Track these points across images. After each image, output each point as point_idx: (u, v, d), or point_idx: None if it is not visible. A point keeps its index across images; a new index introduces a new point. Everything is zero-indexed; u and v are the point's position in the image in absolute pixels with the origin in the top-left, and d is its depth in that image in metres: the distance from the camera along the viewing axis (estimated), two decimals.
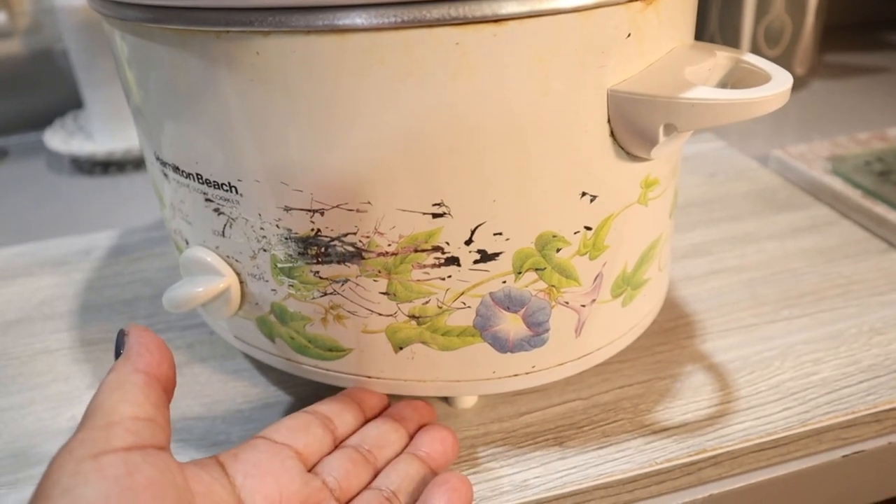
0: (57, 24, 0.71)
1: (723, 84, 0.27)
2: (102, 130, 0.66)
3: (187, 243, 0.31)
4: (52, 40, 0.73)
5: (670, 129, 0.24)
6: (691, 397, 0.33)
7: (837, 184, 0.49)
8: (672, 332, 0.37)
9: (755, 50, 0.67)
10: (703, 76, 0.26)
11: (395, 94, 0.23)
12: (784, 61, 0.68)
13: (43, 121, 0.74)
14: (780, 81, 0.25)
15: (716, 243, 0.44)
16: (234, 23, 0.23)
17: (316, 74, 0.23)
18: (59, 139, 0.67)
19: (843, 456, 0.32)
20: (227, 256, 0.29)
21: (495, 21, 0.22)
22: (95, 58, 0.63)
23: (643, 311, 0.32)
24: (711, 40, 0.68)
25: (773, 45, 0.67)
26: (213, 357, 0.37)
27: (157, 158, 0.30)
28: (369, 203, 0.25)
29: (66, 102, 0.74)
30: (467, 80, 0.23)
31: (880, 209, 0.46)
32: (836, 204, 0.48)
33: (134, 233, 0.51)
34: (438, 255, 0.26)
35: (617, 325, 0.31)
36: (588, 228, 0.27)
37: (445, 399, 0.33)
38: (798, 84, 0.70)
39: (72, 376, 0.37)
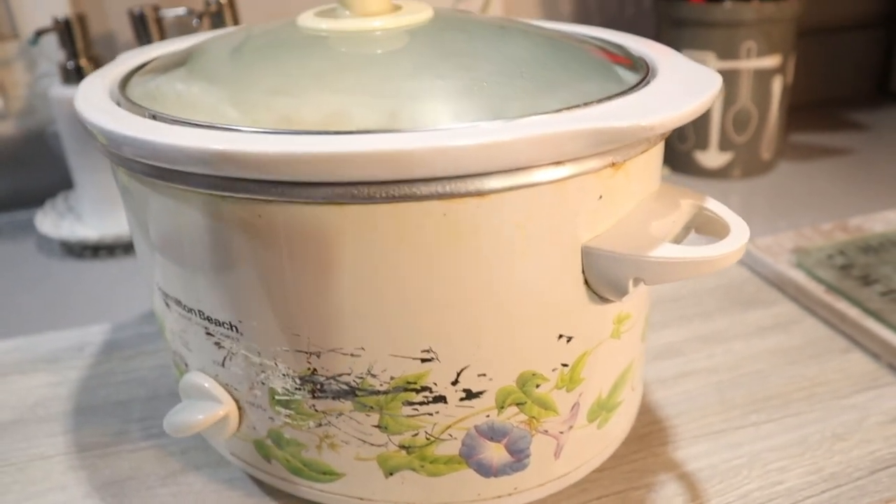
0: (50, 108, 0.73)
1: (687, 228, 0.30)
2: (93, 213, 0.67)
3: (187, 366, 0.33)
4: (44, 122, 0.75)
5: (638, 281, 0.27)
6: None
7: (801, 278, 0.52)
8: (646, 438, 0.39)
9: (724, 136, 0.70)
10: (668, 228, 0.28)
11: (388, 256, 0.25)
12: (752, 146, 0.71)
13: (33, 199, 0.76)
14: (739, 235, 0.27)
15: (687, 343, 0.46)
16: (239, 189, 0.25)
17: (314, 238, 0.25)
18: (49, 222, 0.68)
19: None
20: (227, 384, 0.31)
21: (479, 195, 0.24)
22: (87, 145, 0.65)
23: (618, 429, 0.34)
24: (683, 130, 0.72)
25: (742, 132, 0.70)
26: (207, 465, 0.39)
27: (160, 289, 0.32)
28: (363, 349, 0.27)
29: (57, 182, 0.76)
30: (454, 244, 0.25)
31: (841, 305, 0.48)
32: (800, 298, 0.51)
33: (125, 327, 0.52)
34: (427, 394, 0.28)
35: (593, 446, 0.33)
36: (565, 365, 0.29)
37: None
38: (765, 167, 0.73)
39: (68, 485, 0.38)
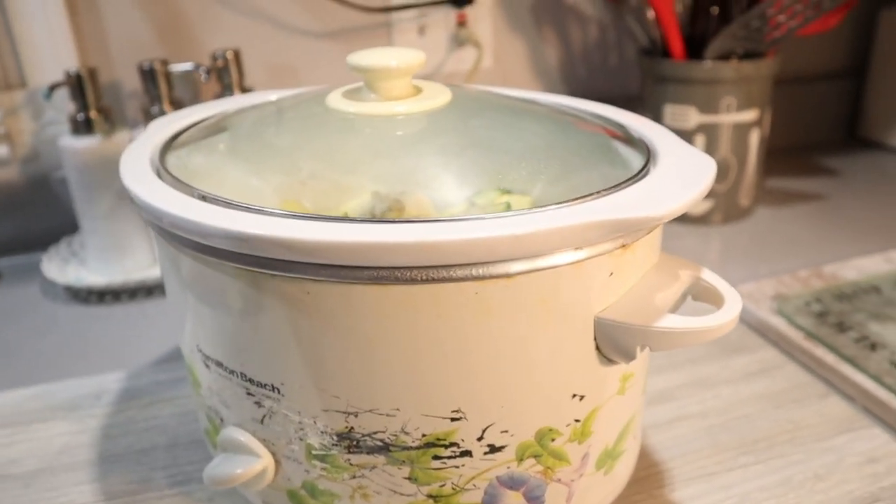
0: (54, 153, 0.75)
1: (684, 296, 0.33)
2: (99, 259, 0.69)
3: (222, 421, 0.36)
4: (48, 168, 0.77)
5: (644, 347, 0.30)
6: None
7: (782, 325, 0.55)
8: (645, 481, 0.42)
9: None
10: (670, 298, 0.31)
11: (426, 329, 0.28)
12: (732, 193, 0.75)
13: (36, 242, 0.78)
14: (733, 305, 0.30)
15: (679, 388, 0.49)
16: (288, 269, 0.28)
17: (358, 314, 0.28)
18: (55, 268, 0.70)
19: None
20: (264, 440, 0.34)
21: (507, 277, 0.27)
22: (95, 193, 0.67)
23: (622, 474, 0.37)
24: None
25: (722, 180, 0.74)
26: None
27: (199, 350, 0.34)
28: (398, 409, 0.30)
29: (59, 226, 0.78)
30: (484, 319, 0.28)
31: (819, 351, 0.52)
32: (782, 344, 0.54)
33: (140, 375, 0.54)
34: (454, 448, 0.31)
35: (600, 491, 0.35)
36: (577, 421, 0.32)
37: None
38: (744, 213, 0.77)
39: None
